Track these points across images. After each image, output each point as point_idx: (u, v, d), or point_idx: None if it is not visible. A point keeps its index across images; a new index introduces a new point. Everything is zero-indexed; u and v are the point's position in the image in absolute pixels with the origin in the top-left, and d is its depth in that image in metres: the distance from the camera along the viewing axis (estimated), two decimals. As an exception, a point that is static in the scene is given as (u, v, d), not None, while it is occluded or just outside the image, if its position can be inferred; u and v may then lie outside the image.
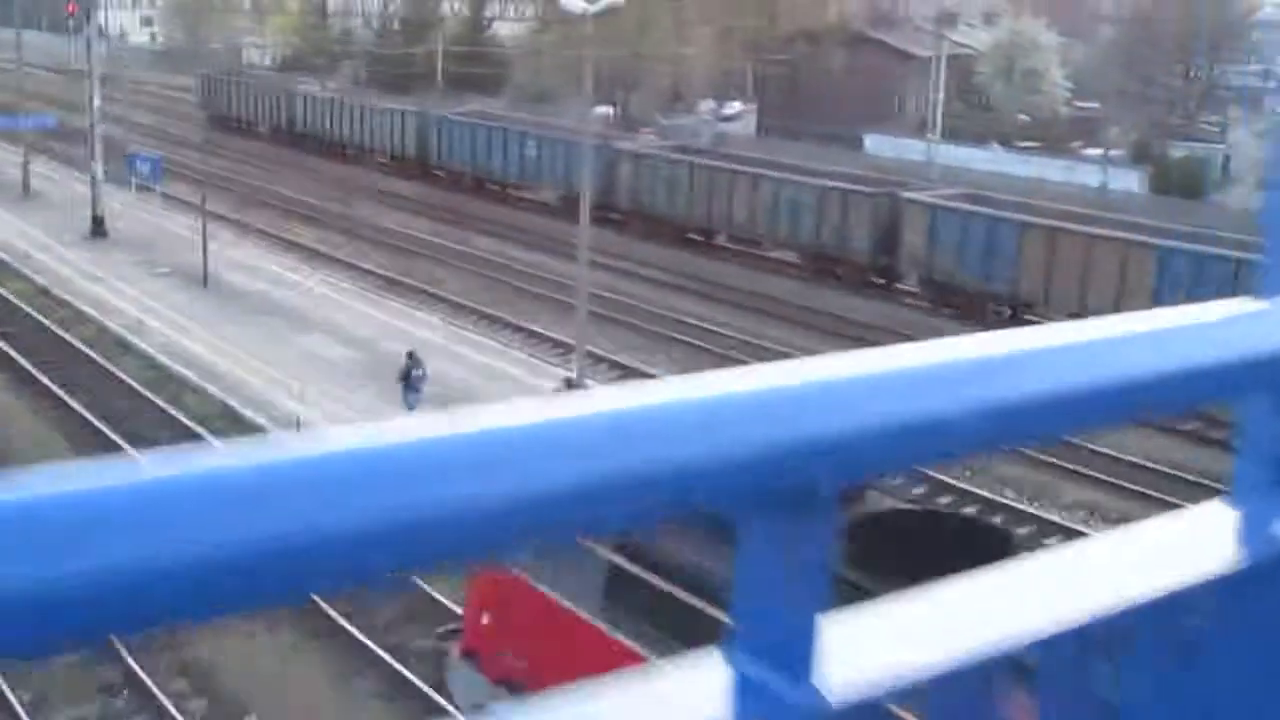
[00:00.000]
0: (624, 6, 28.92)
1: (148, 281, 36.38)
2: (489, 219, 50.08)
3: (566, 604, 12.46)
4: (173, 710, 15.76)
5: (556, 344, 32.86)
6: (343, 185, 57.07)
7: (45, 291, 35.40)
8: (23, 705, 15.76)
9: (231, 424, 25.53)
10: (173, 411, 26.06)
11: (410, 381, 24.86)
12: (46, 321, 32.44)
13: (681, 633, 10.45)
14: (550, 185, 51.94)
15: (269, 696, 16.37)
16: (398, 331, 31.94)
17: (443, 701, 15.10)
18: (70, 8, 57.53)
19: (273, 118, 69.94)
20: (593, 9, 24.72)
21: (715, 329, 34.59)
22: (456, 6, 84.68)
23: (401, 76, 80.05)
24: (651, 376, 29.53)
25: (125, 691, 16.43)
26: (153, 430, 25.39)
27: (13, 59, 69.48)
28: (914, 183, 44.74)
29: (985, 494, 23.76)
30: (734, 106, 75.05)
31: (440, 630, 15.99)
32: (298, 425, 24.50)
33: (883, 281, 40.65)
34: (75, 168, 52.63)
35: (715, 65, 74.29)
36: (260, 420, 25.43)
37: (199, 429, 25.04)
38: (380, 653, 17.02)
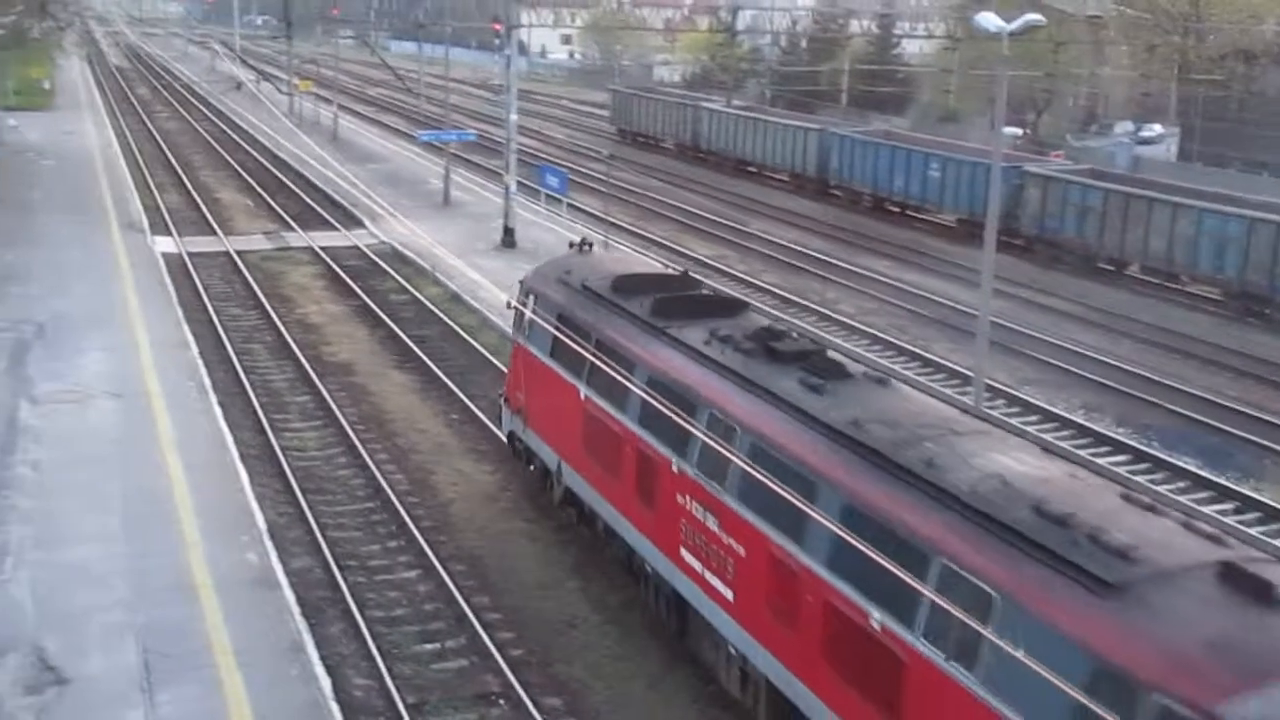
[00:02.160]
0: (1043, 24, 27.31)
1: (550, 291, 37.42)
2: (886, 240, 49.12)
3: (538, 355, 21.38)
4: (545, 726, 15.75)
5: (953, 373, 31.57)
6: (741, 201, 57.43)
7: (456, 297, 37.00)
8: (405, 707, 16.10)
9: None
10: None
11: None
12: (455, 326, 33.84)
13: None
14: (952, 207, 50.48)
15: (638, 723, 16.15)
16: (788, 353, 31.46)
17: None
18: (495, 26, 60.38)
19: (678, 133, 71.31)
20: (1010, 27, 23.43)
21: (1124, 366, 32.38)
22: (866, 24, 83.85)
23: (806, 94, 79.99)
24: (1054, 416, 27.84)
25: (501, 701, 16.56)
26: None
27: (441, 76, 73.91)
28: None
29: None
30: (1154, 129, 70.76)
31: (499, 392, 24.97)
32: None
33: (1318, 324, 37.15)
34: (491, 179, 55.17)
35: (1135, 86, 70.36)
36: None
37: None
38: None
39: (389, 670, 17.01)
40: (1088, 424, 27.99)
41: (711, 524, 15.74)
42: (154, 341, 30.31)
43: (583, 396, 19.44)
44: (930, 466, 12.88)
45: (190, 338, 30.94)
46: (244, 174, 59.83)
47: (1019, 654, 10.73)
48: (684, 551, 16.51)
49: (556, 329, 20.54)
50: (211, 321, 33.89)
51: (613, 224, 41.86)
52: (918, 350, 33.81)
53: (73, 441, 23.73)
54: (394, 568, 20.41)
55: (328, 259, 41.78)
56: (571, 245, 22.99)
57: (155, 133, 75.74)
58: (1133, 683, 9.72)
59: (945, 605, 11.67)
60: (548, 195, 43.02)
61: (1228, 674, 9.41)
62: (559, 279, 21.45)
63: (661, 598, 17.73)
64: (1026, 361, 33.04)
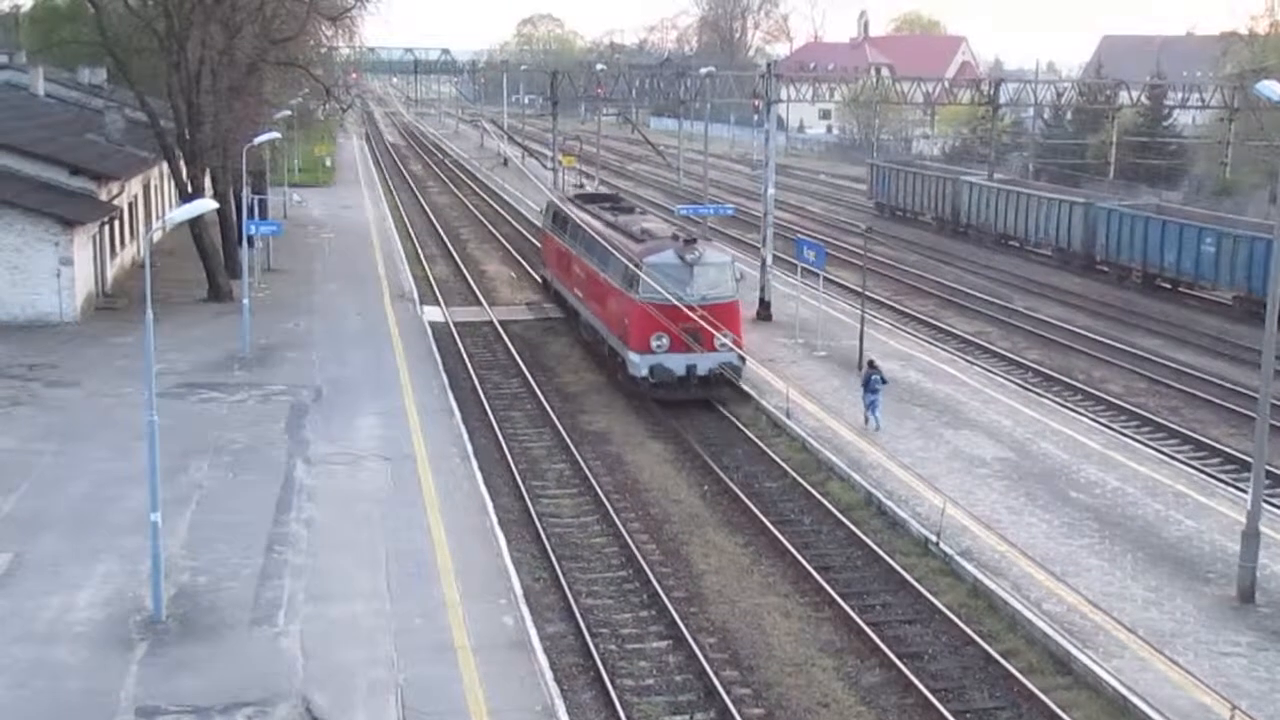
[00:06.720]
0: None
1: (805, 364, 37.27)
2: (1156, 317, 47.32)
3: (559, 240, 43.69)
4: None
5: (1229, 459, 30.05)
6: (1003, 276, 56.22)
7: (711, 369, 37.13)
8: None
9: (874, 516, 25.27)
10: (818, 496, 26.24)
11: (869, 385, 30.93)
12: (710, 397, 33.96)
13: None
14: (1228, 284, 48.28)
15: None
16: (1053, 431, 30.50)
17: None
18: (754, 102, 61.00)
19: (937, 207, 70.43)
20: (1296, 94, 22.28)
21: None
22: (1136, 96, 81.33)
23: (1071, 167, 78.00)
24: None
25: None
26: (798, 515, 25.69)
27: (700, 151, 74.98)
28: None
29: None
30: None
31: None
32: (939, 532, 23.79)
33: None
34: (747, 253, 55.45)
35: None
36: (903, 515, 24.93)
37: (842, 517, 25.03)
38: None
39: (639, 740, 17.01)
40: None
41: (579, 270, 39.26)
42: (421, 407, 31.40)
43: (557, 241, 43.42)
44: (628, 224, 37.81)
45: (454, 404, 31.93)
46: (508, 246, 61.76)
47: (622, 263, 33.91)
48: (575, 289, 40.30)
49: (553, 215, 45.33)
50: (475, 389, 34.95)
51: (870, 298, 41.20)
52: (1189, 433, 32.32)
53: (344, 501, 24.71)
54: (645, 637, 20.47)
55: (587, 330, 42.61)
56: (578, 185, 56.46)
57: (426, 207, 79.04)
58: (631, 257, 33.61)
59: (615, 259, 34.47)
60: (803, 268, 42.90)
61: (649, 252, 33.49)
62: (561, 195, 49.36)
63: (569, 315, 42.24)
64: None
